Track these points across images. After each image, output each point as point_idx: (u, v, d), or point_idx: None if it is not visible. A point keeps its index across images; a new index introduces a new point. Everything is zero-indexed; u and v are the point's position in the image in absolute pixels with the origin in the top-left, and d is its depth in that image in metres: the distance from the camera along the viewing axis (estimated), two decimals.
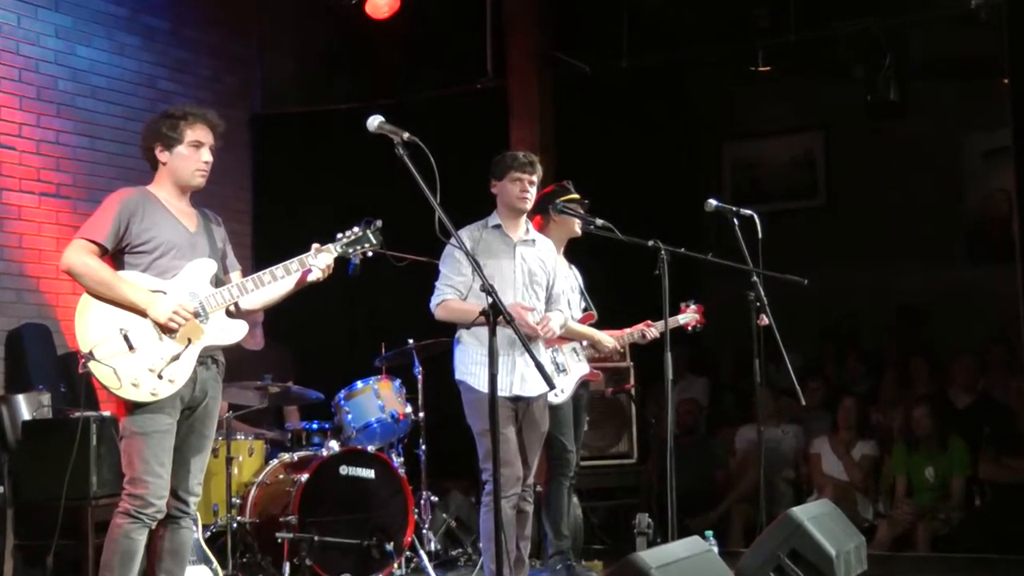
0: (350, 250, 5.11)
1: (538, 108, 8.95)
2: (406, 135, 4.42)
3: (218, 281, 5.03)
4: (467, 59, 9.54)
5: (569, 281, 6.59)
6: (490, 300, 4.39)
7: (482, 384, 5.53)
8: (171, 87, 9.14)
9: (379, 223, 5.16)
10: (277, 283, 5.02)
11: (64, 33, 8.43)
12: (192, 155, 4.98)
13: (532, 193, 5.85)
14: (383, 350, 7.47)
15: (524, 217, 5.93)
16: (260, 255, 9.32)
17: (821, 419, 9.34)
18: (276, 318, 8.06)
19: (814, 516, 5.24)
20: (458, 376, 5.79)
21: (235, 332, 5.03)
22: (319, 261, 5.02)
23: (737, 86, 11.21)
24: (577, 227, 6.42)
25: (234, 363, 7.49)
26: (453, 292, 5.73)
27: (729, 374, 10.86)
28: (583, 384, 6.71)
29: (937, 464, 8.30)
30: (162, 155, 4.99)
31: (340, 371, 8.22)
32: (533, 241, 5.95)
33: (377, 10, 9.19)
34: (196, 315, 4.86)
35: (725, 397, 10.42)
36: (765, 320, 5.93)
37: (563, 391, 6.38)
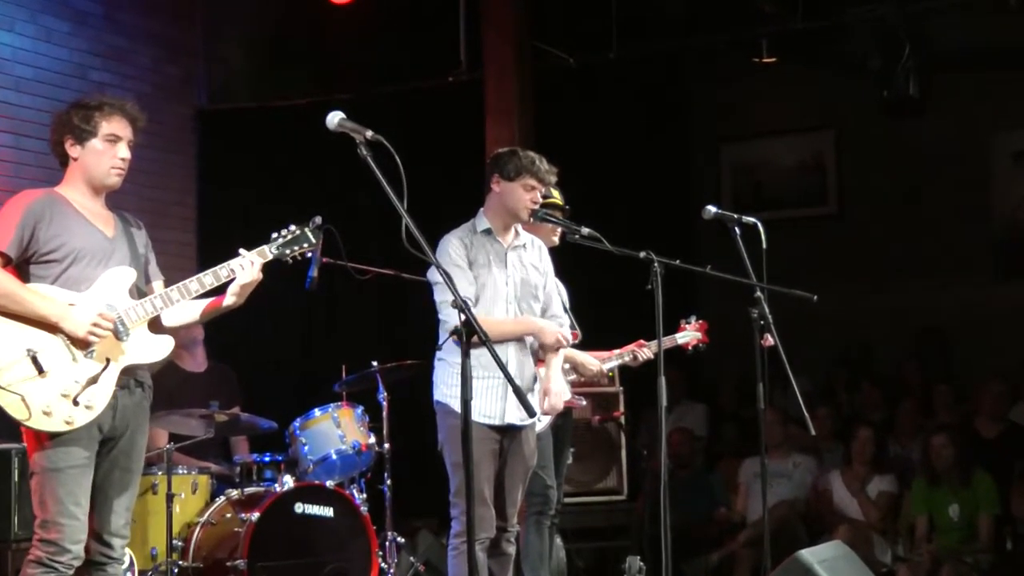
0: (287, 251, 5.06)
1: (517, 104, 8.95)
2: (369, 134, 4.40)
3: (139, 292, 4.94)
4: (438, 49, 9.55)
5: None
6: (463, 317, 4.38)
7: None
8: (105, 78, 9.11)
9: (319, 220, 5.12)
10: (201, 301, 4.97)
11: None
12: (107, 150, 4.88)
13: (539, 201, 5.86)
14: (344, 374, 7.46)
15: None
16: (206, 266, 9.27)
17: (832, 451, 9.36)
18: (222, 336, 8.05)
19: (825, 560, 5.25)
20: (438, 397, 5.75)
21: (160, 349, 4.93)
22: (242, 277, 4.93)
23: (738, 80, 11.25)
24: (556, 237, 6.41)
25: (175, 388, 7.55)
26: (471, 304, 5.62)
27: (730, 400, 10.88)
28: (565, 412, 6.69)
29: (962, 501, 8.31)
30: (73, 150, 4.89)
31: (295, 397, 8.21)
32: (524, 245, 5.93)
33: None
34: (115, 331, 4.76)
35: (726, 426, 10.44)
36: (770, 340, 5.93)
37: (541, 419, 6.37)
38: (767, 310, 5.89)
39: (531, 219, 5.87)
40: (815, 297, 6.09)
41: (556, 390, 5.91)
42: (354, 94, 9.36)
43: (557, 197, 6.56)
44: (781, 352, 5.87)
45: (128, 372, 4.85)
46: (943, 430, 8.52)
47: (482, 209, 5.88)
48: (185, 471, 7.10)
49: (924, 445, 8.61)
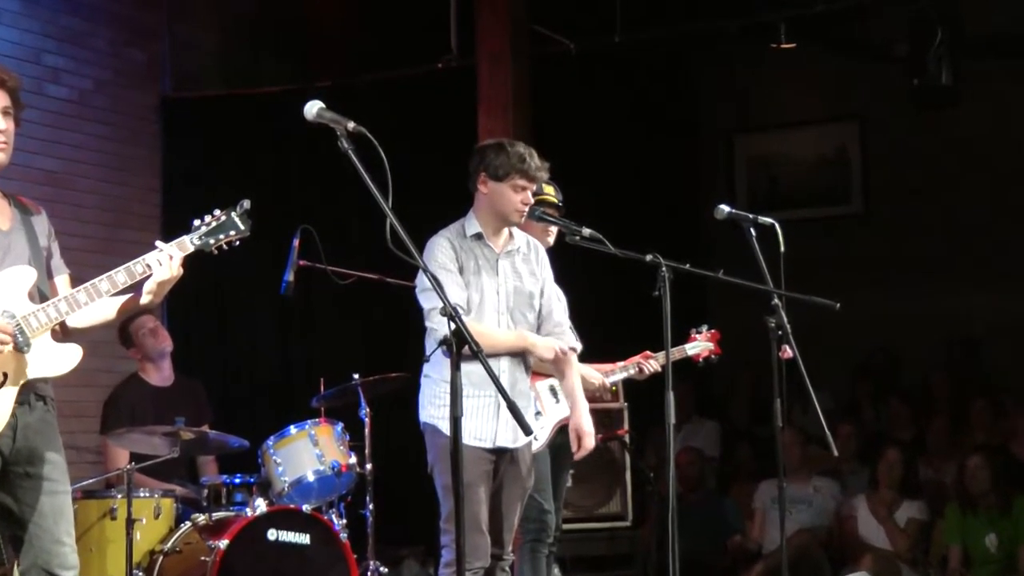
0: (211, 240, 4.89)
1: (512, 93, 8.96)
2: (351, 125, 4.41)
3: (40, 294, 4.76)
4: (426, 33, 9.56)
5: None
6: (453, 326, 4.39)
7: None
8: (61, 63, 9.11)
9: (247, 204, 4.95)
10: (114, 300, 4.77)
11: None
12: None
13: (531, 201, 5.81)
14: (322, 387, 7.46)
15: None
16: None
17: (857, 474, 9.37)
18: (189, 347, 8.06)
19: None
20: (425, 419, 5.75)
21: (65, 360, 4.73)
22: (150, 258, 4.72)
23: (754, 67, 11.27)
24: (550, 237, 6.41)
25: (138, 403, 7.55)
26: (463, 311, 5.54)
27: (744, 418, 10.89)
28: (563, 430, 6.70)
29: (1000, 530, 8.31)
30: None
31: (269, 413, 8.20)
32: (519, 249, 5.90)
33: None
34: (14, 342, 4.58)
35: (739, 446, 10.45)
36: (788, 352, 5.94)
37: (537, 438, 6.37)
38: (785, 319, 5.90)
39: (522, 220, 5.84)
40: (838, 304, 6.10)
41: (591, 430, 5.92)
42: (335, 82, 9.37)
43: (551, 193, 6.55)
44: (800, 365, 5.87)
45: (28, 387, 4.68)
46: (979, 451, 8.53)
47: (472, 210, 5.85)
48: (147, 494, 7.08)
49: (958, 467, 8.62)
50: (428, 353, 5.58)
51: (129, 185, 9.51)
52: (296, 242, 6.81)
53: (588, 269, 7.28)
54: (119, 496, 6.79)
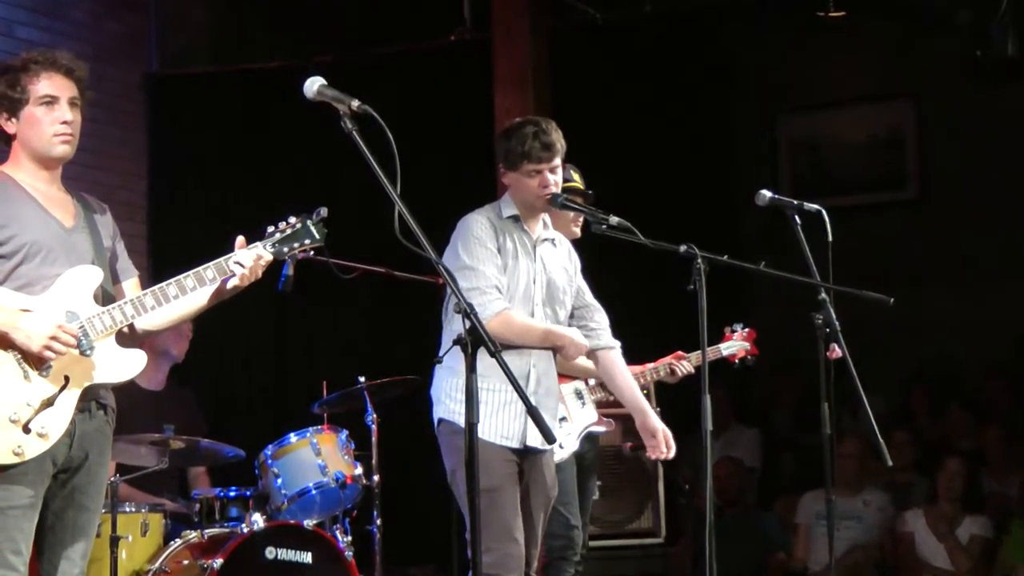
0: (284, 249, 5.02)
1: (531, 68, 8.98)
2: (355, 104, 4.43)
3: (105, 295, 4.91)
4: (436, 3, 9.58)
5: None
6: (468, 324, 4.40)
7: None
8: (34, 36, 9.13)
9: (324, 212, 5.10)
10: (187, 297, 4.91)
11: None
12: (46, 115, 4.86)
13: (559, 178, 5.81)
14: (324, 391, 7.49)
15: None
16: (159, 264, 9.33)
17: (913, 486, 9.36)
18: None
19: None
20: (442, 414, 5.71)
21: (130, 366, 4.89)
22: (241, 258, 4.89)
23: (799, 39, 11.26)
24: (577, 227, 6.42)
25: (123, 408, 7.54)
26: (499, 297, 5.57)
27: (788, 425, 10.89)
28: (590, 437, 6.73)
29: None
30: (8, 125, 4.89)
31: (267, 420, 8.21)
32: (553, 241, 5.94)
33: None
34: (77, 344, 4.71)
35: (783, 456, 10.45)
36: (837, 352, 5.95)
37: (562, 446, 6.38)
38: (833, 315, 5.90)
39: (552, 206, 5.85)
40: (891, 300, 6.10)
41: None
42: (336, 57, 9.39)
43: (578, 180, 6.58)
44: (850, 366, 5.86)
45: (89, 393, 4.81)
46: None
47: (507, 193, 5.87)
48: (134, 509, 7.10)
49: None
50: (452, 341, 5.57)
51: (112, 170, 9.54)
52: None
53: (615, 261, 7.29)
54: (103, 511, 6.81)
